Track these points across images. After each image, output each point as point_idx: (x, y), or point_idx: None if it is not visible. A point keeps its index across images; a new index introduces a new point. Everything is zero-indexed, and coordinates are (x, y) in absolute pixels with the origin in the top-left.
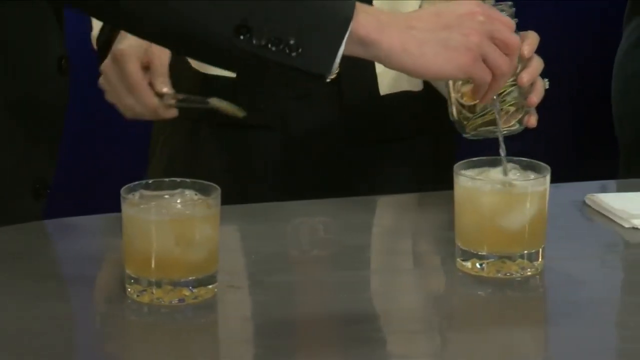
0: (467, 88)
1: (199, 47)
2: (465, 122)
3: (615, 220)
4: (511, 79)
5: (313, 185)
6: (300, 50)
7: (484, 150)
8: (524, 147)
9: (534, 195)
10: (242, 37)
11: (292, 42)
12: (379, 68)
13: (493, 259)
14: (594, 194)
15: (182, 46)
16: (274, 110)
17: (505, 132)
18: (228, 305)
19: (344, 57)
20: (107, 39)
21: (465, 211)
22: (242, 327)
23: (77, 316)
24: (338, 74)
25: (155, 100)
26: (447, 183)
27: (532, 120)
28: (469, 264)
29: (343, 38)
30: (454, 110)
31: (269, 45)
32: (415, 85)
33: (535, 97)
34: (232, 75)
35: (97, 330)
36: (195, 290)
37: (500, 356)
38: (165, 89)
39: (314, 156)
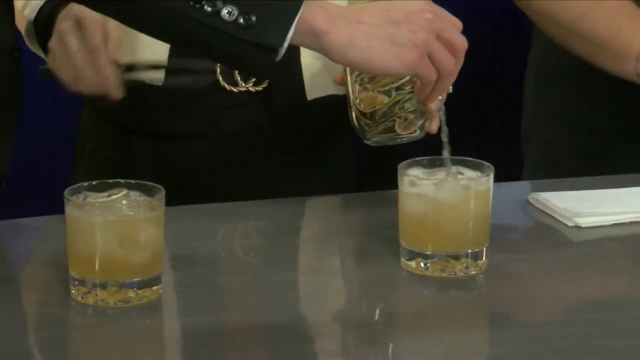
0: (364, 95)
1: (152, 16)
2: (366, 129)
3: (559, 219)
4: (409, 87)
5: (245, 191)
6: (254, 22)
7: (427, 150)
8: (469, 147)
9: (477, 195)
10: (197, 5)
11: (246, 14)
12: (306, 73)
13: (437, 259)
14: (538, 193)
15: (135, 16)
16: (205, 118)
17: (405, 139)
18: (173, 306)
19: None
20: (49, 20)
21: (409, 211)
22: (186, 328)
23: (21, 318)
24: (268, 81)
25: (110, 70)
26: (389, 183)
27: (433, 126)
28: (413, 264)
29: (296, 14)
30: (354, 117)
31: (224, 16)
32: (340, 89)
33: (434, 104)
34: (160, 83)
35: (42, 332)
36: (140, 292)
37: (444, 355)
38: (121, 60)
39: (245, 163)
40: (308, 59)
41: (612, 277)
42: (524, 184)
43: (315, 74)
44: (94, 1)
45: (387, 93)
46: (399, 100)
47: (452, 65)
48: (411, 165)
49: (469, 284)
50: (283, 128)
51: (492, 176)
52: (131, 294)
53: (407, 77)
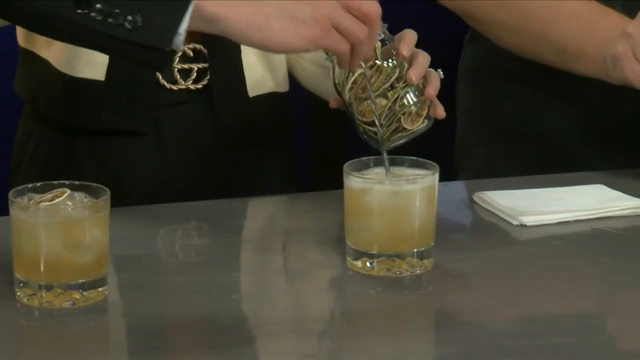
0: (363, 106)
1: (39, 20)
2: (375, 137)
3: (504, 217)
4: (402, 82)
5: (191, 191)
6: (140, 24)
7: (372, 150)
8: (415, 146)
9: (423, 194)
10: (83, 11)
11: (132, 16)
12: (247, 70)
13: (383, 258)
14: (483, 192)
15: (22, 17)
16: (145, 117)
17: (417, 131)
18: (119, 307)
19: (214, 63)
20: None
21: (355, 210)
22: (132, 329)
23: None
24: (208, 79)
25: None
26: (335, 182)
27: (439, 111)
28: (359, 263)
29: (185, 12)
30: (362, 131)
31: (109, 19)
32: (282, 87)
33: (432, 89)
34: (101, 79)
35: None
36: (85, 293)
37: (390, 355)
38: None
39: (188, 162)
40: (249, 55)
41: (557, 275)
42: (470, 183)
43: (257, 70)
44: None
45: (383, 95)
46: (397, 97)
47: (362, 32)
48: (356, 165)
49: (415, 283)
50: (225, 126)
51: (437, 175)
52: (76, 295)
53: (397, 74)
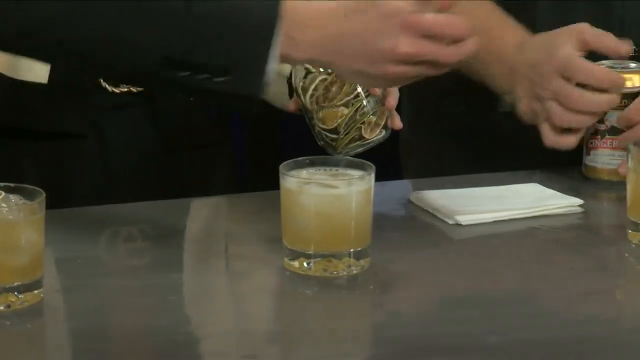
0: (324, 112)
1: (129, 77)
2: (333, 143)
3: (440, 217)
4: (364, 91)
5: (133, 193)
6: (227, 76)
7: (309, 150)
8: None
9: (359, 194)
10: (170, 70)
11: (219, 68)
12: None
13: (320, 258)
14: (419, 191)
15: (107, 73)
16: (88, 119)
17: (373, 142)
18: (55, 310)
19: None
20: None
21: (292, 211)
22: (69, 331)
23: None
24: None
25: None
26: (273, 183)
27: (397, 122)
28: (296, 263)
29: (268, 56)
30: (317, 135)
31: (196, 75)
32: None
33: (392, 99)
34: (44, 81)
35: None
36: (21, 296)
37: (326, 355)
38: None
39: (131, 165)
40: None
41: (493, 273)
42: (406, 183)
43: None
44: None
45: (346, 104)
46: (358, 107)
47: (432, 70)
48: (293, 166)
49: (352, 283)
50: (167, 128)
51: (373, 175)
52: (12, 298)
53: (362, 87)
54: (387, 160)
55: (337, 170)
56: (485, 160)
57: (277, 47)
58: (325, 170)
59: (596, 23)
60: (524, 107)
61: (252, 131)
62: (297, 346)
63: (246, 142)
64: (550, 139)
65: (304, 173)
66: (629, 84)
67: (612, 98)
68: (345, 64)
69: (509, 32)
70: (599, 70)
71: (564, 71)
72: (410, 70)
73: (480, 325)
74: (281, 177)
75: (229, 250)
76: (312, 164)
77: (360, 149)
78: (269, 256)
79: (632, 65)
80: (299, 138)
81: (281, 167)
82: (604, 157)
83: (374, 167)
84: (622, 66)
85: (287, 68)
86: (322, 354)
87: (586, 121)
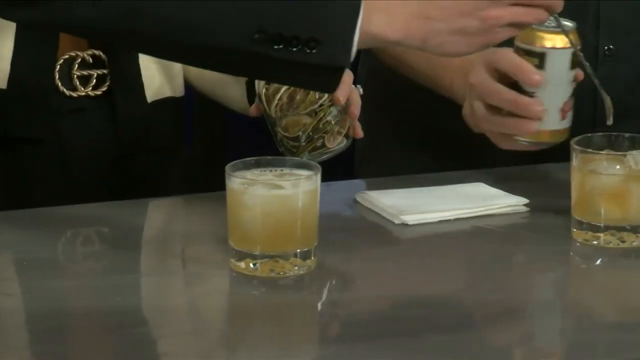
0: (287, 120)
1: (216, 58)
2: (294, 150)
3: (386, 216)
4: (328, 100)
5: (92, 197)
6: (318, 46)
7: (254, 151)
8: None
9: (305, 195)
10: (261, 43)
11: (309, 40)
12: (145, 75)
13: (266, 259)
14: (365, 191)
15: (198, 58)
16: (46, 123)
17: (333, 151)
18: (11, 312)
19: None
20: None
21: (238, 211)
22: (16, 334)
23: None
24: (108, 85)
25: None
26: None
27: (359, 131)
28: (242, 264)
29: (355, 27)
30: (279, 141)
31: (289, 47)
32: (178, 92)
33: (356, 109)
34: (3, 87)
35: None
36: None
37: (273, 355)
38: None
39: (91, 168)
40: (147, 61)
41: (439, 273)
42: (352, 183)
43: (154, 76)
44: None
45: (309, 114)
46: (322, 116)
47: (530, 17)
48: (239, 166)
49: (298, 283)
50: (126, 132)
51: (319, 176)
52: None
53: (327, 97)
54: (337, 160)
55: (283, 170)
56: (434, 161)
57: (362, 18)
58: (271, 170)
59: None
60: (467, 117)
61: (205, 132)
62: (245, 347)
63: (199, 143)
64: (500, 143)
65: (250, 174)
66: (537, 42)
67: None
68: (438, 28)
69: None
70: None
71: (488, 64)
72: (505, 12)
73: (427, 325)
74: (227, 178)
75: (184, 251)
76: (258, 165)
77: (321, 158)
78: (223, 256)
79: (565, 23)
80: (248, 138)
81: (227, 167)
82: None
83: (320, 167)
84: (552, 25)
85: None
86: (269, 355)
87: (506, 127)
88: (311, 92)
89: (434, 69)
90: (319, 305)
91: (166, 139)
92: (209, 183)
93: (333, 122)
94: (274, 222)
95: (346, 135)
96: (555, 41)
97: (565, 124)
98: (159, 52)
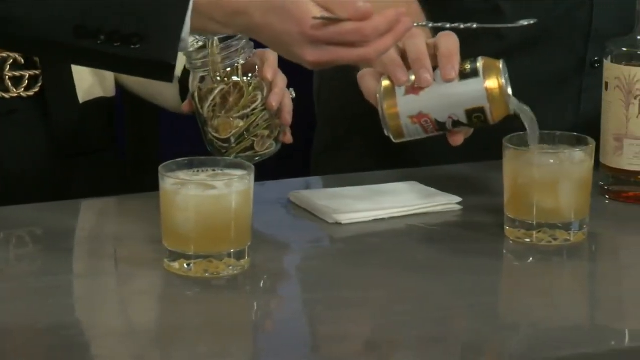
0: (219, 121)
1: (42, 50)
2: (223, 151)
3: (320, 216)
4: (260, 104)
5: (26, 199)
6: (140, 42)
7: (188, 151)
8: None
9: (238, 195)
10: (82, 38)
11: (132, 35)
12: (77, 76)
13: (200, 259)
14: (298, 191)
15: (24, 48)
16: None
17: (262, 155)
18: None
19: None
20: None
21: (171, 212)
22: None
23: None
24: (40, 86)
25: None
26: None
27: (289, 136)
28: (176, 265)
29: (183, 23)
30: (209, 141)
31: (111, 42)
32: (110, 92)
33: (288, 115)
34: None
35: None
36: None
37: (207, 355)
38: None
39: (23, 170)
40: None
41: (373, 272)
42: (286, 183)
43: (85, 77)
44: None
45: (242, 117)
46: (254, 120)
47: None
48: (172, 167)
49: (232, 283)
50: (59, 133)
51: (252, 175)
52: None
53: (259, 100)
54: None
55: (216, 171)
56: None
57: (190, 16)
58: (205, 171)
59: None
60: None
61: (138, 132)
62: (179, 347)
63: (132, 143)
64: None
65: (183, 174)
66: None
67: None
68: (266, 37)
69: None
70: None
71: None
72: (325, 55)
73: (360, 324)
74: (160, 179)
75: (117, 252)
76: (191, 165)
77: (250, 161)
78: (156, 257)
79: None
80: (182, 138)
81: (160, 168)
82: None
83: (253, 167)
84: None
85: (178, 69)
86: (202, 354)
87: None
88: (245, 95)
89: None
90: (253, 305)
91: (99, 139)
92: (142, 183)
93: (264, 127)
94: (207, 222)
95: (276, 140)
96: None
97: None
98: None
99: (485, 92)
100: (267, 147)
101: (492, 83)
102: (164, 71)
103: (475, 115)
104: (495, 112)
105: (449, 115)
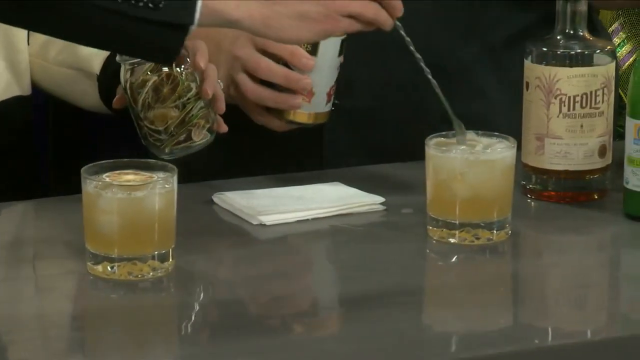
0: (154, 113)
1: (59, 16)
2: (159, 144)
3: (244, 217)
4: (194, 94)
5: None
6: (162, 2)
7: (109, 154)
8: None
9: (161, 197)
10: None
11: None
12: None
13: (124, 262)
14: (222, 192)
15: (40, 18)
16: None
17: (199, 145)
18: None
19: None
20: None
21: (94, 215)
22: None
23: None
24: None
25: None
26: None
27: (223, 126)
28: (100, 268)
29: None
30: (144, 135)
31: (133, 1)
32: (26, 90)
33: (221, 103)
34: None
35: None
36: None
37: (133, 357)
38: None
39: None
40: None
41: (297, 273)
42: (209, 184)
43: (2, 75)
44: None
45: (177, 107)
46: (190, 109)
47: (372, 12)
48: (95, 169)
49: (157, 285)
50: None
51: (175, 177)
52: None
53: (194, 90)
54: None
55: (139, 173)
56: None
57: None
58: (127, 173)
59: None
60: (225, 88)
61: (58, 133)
62: (102, 350)
63: (55, 145)
64: (256, 117)
65: (106, 176)
66: None
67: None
68: (280, 11)
69: None
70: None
71: (257, 41)
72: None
73: (286, 324)
74: (82, 181)
75: (37, 256)
76: (114, 167)
77: (184, 152)
78: (76, 261)
79: None
80: (105, 140)
81: (82, 170)
82: None
83: (175, 168)
84: None
85: (95, 66)
86: (128, 356)
87: (278, 101)
88: (179, 85)
89: None
90: (177, 308)
91: (15, 138)
92: (65, 186)
93: (199, 116)
94: (131, 225)
95: (210, 130)
96: None
97: (328, 107)
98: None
99: None
100: (202, 137)
101: None
102: (177, 38)
103: None
104: None
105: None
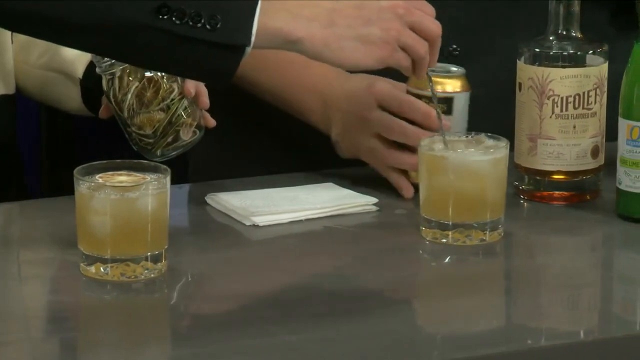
0: (141, 118)
1: (116, 37)
2: (149, 148)
3: (237, 218)
4: (177, 94)
5: None
6: (219, 24)
7: (104, 155)
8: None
9: (154, 198)
10: (163, 17)
11: (210, 17)
12: None
13: (117, 263)
14: (215, 193)
15: (97, 39)
16: None
17: (190, 143)
18: None
19: None
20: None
21: (87, 216)
22: None
23: None
24: None
25: None
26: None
27: (210, 120)
28: (92, 269)
29: (255, 11)
30: (133, 140)
31: (190, 23)
32: (11, 89)
33: (205, 98)
34: None
35: None
36: None
37: (125, 358)
38: None
39: None
40: None
41: (291, 274)
42: (203, 185)
43: None
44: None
45: (162, 109)
46: (175, 109)
47: (424, 49)
48: (87, 170)
49: (150, 286)
50: None
51: (169, 178)
52: None
53: (176, 90)
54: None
55: (132, 174)
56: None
57: (261, 11)
58: (120, 174)
59: None
60: (345, 146)
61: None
62: (95, 351)
63: (43, 147)
64: (390, 174)
65: (99, 177)
66: (439, 88)
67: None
68: (340, 33)
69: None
70: (417, 102)
71: (383, 101)
72: (406, 30)
73: (280, 325)
74: (75, 181)
75: (25, 257)
76: (107, 168)
77: (176, 152)
78: (67, 262)
79: (453, 69)
80: (97, 141)
81: (75, 171)
82: None
83: (169, 169)
84: (444, 71)
85: (79, 70)
86: (122, 357)
87: (411, 160)
88: (161, 89)
89: (289, 92)
90: (171, 308)
91: (1, 137)
92: (59, 186)
93: (185, 115)
94: (124, 226)
95: (198, 127)
96: (455, 85)
97: None
98: (57, 35)
99: None
100: (192, 135)
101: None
102: (233, 58)
103: None
104: None
105: None
